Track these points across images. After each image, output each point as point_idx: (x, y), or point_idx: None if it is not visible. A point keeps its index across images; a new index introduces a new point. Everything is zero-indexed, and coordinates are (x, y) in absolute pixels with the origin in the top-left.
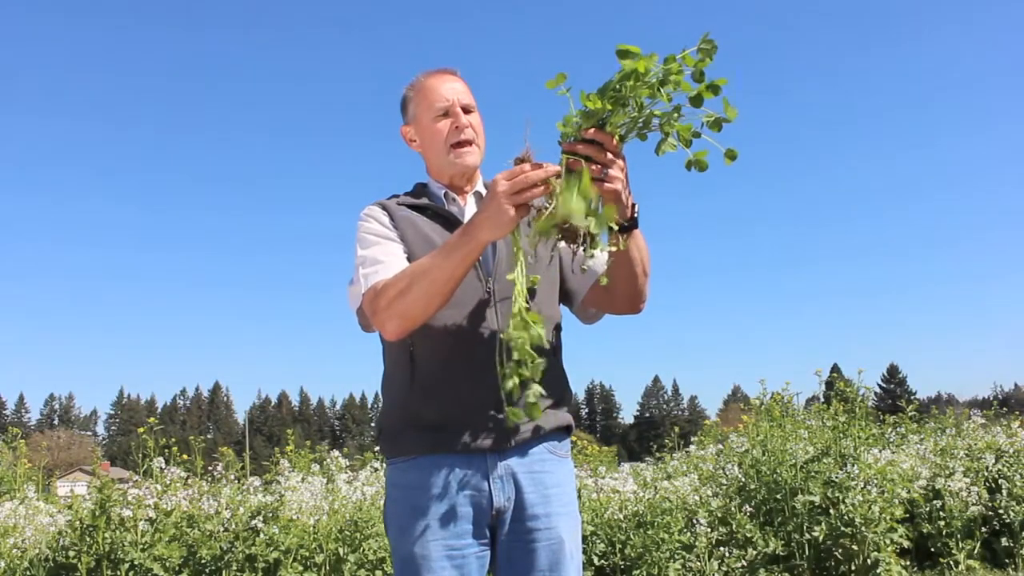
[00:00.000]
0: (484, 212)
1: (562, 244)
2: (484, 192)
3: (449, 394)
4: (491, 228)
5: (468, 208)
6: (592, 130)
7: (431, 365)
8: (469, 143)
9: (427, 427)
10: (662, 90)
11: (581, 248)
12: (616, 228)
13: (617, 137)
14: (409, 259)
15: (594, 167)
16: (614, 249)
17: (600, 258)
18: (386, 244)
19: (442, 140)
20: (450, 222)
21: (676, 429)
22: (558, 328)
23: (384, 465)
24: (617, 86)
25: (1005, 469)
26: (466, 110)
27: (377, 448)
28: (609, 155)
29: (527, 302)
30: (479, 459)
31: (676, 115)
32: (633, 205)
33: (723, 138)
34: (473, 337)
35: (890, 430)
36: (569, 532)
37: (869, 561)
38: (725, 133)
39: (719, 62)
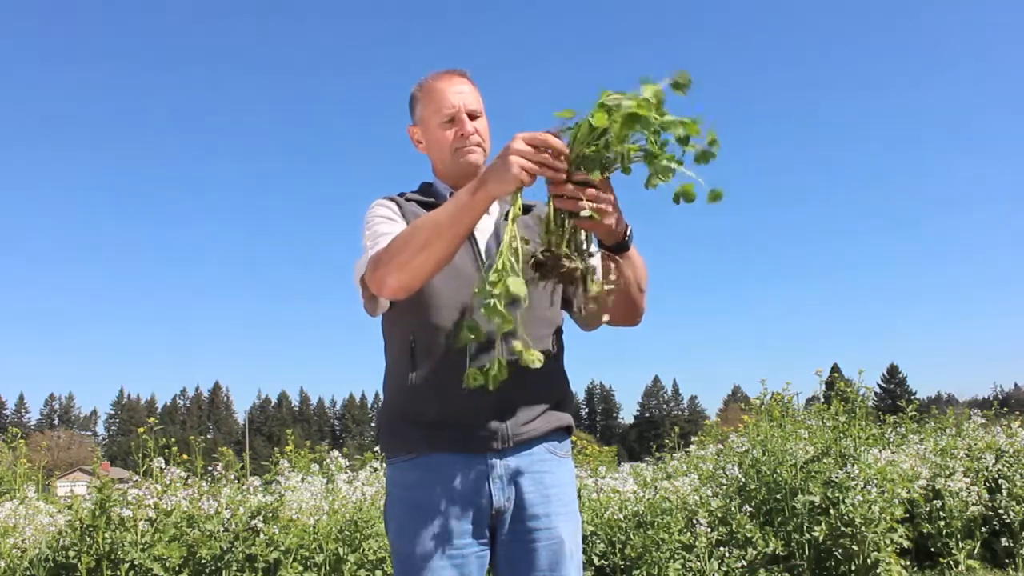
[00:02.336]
0: (493, 164)
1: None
2: None
3: (450, 392)
4: (496, 181)
5: None
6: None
7: (432, 362)
8: (475, 147)
9: (427, 425)
10: (652, 136)
11: (581, 288)
12: (611, 253)
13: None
14: None
15: (582, 203)
16: (612, 287)
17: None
18: (394, 225)
19: (447, 147)
20: None
21: (676, 429)
22: (559, 331)
23: (384, 465)
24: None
25: (1005, 469)
26: (472, 115)
27: (377, 447)
28: (595, 190)
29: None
30: (479, 458)
31: (662, 150)
32: (626, 227)
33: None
34: None
35: (890, 430)
36: (569, 532)
37: (869, 561)
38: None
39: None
